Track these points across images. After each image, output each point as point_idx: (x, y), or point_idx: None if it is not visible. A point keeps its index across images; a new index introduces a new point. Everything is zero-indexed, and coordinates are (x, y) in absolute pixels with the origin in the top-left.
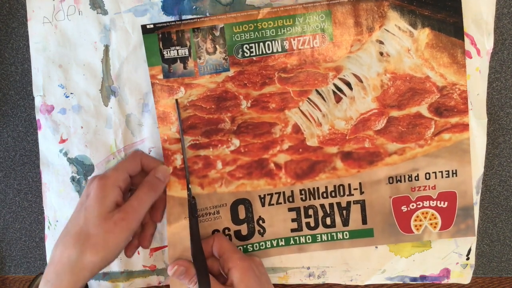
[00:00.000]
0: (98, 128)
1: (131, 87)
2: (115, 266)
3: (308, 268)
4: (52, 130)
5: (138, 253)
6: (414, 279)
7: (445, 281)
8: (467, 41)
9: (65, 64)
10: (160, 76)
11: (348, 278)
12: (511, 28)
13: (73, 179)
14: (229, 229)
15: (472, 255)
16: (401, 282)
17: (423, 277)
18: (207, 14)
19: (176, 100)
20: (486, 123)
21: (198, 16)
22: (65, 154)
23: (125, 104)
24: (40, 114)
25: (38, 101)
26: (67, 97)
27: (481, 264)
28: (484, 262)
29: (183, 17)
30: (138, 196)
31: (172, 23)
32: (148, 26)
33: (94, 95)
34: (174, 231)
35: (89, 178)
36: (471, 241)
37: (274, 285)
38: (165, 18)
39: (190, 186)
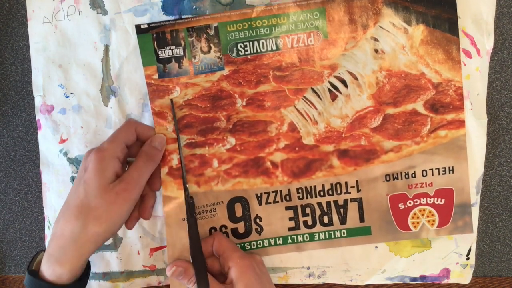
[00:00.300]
0: (98, 128)
1: (131, 87)
2: (115, 266)
3: (308, 268)
4: (52, 130)
5: (138, 253)
6: (414, 279)
7: (445, 281)
8: (467, 41)
9: (65, 64)
10: (155, 76)
11: (348, 278)
12: (511, 28)
13: (73, 179)
14: (226, 227)
15: (472, 255)
16: (401, 282)
17: (423, 277)
18: (207, 14)
19: (171, 100)
20: (486, 123)
21: (192, 16)
22: (65, 154)
23: (125, 104)
24: (40, 114)
25: (38, 101)
26: (67, 97)
27: (481, 264)
28: (484, 262)
29: (183, 17)
30: (138, 166)
31: (167, 22)
32: (142, 26)
33: (94, 95)
34: (173, 232)
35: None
36: (471, 241)
37: (274, 285)
38: (165, 18)
39: (187, 185)
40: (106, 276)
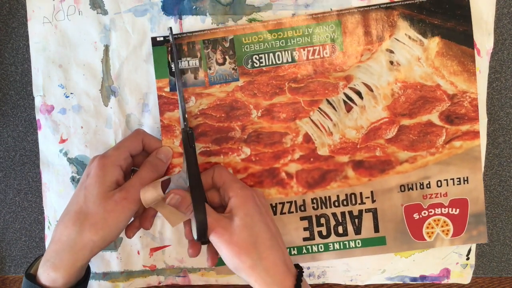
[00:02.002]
0: (98, 128)
1: (131, 87)
2: (115, 266)
3: (308, 268)
4: (52, 130)
5: (138, 253)
6: (414, 279)
7: (445, 281)
8: None
9: (65, 64)
10: (167, 89)
11: (348, 278)
12: (511, 28)
13: (73, 179)
14: None
15: (472, 255)
16: (401, 282)
17: (423, 277)
18: (207, 14)
19: (170, 28)
20: (486, 123)
21: (209, 28)
22: (65, 154)
23: (125, 104)
24: (40, 114)
25: (38, 101)
26: (67, 97)
27: (481, 264)
28: (484, 262)
29: (183, 17)
30: (140, 176)
31: (184, 34)
32: (158, 39)
33: (94, 95)
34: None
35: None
36: None
37: None
38: (165, 18)
39: (186, 116)
40: (106, 276)
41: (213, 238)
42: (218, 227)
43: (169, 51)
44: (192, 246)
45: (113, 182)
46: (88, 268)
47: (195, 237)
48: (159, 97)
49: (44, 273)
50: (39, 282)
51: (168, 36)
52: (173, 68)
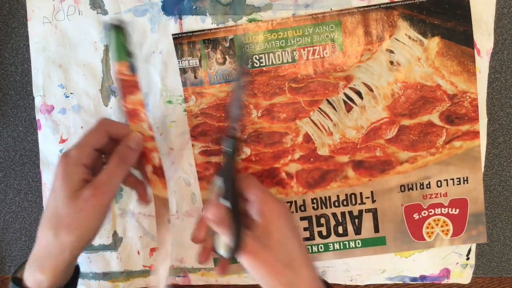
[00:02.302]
0: None
1: None
2: (115, 266)
3: None
4: (52, 130)
5: (138, 253)
6: (414, 279)
7: (445, 281)
8: None
9: (65, 64)
10: (126, 71)
11: (348, 278)
12: (511, 28)
13: None
14: None
15: (472, 255)
16: (401, 282)
17: (423, 277)
18: (207, 14)
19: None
20: (486, 123)
21: (209, 28)
22: None
23: None
24: (40, 114)
25: (38, 101)
26: (67, 97)
27: (481, 264)
28: (484, 262)
29: (183, 17)
30: (109, 169)
31: (184, 34)
32: (111, 22)
33: (94, 95)
34: (161, 232)
35: None
36: None
37: None
38: (165, 18)
39: (239, 122)
40: (106, 276)
41: (247, 257)
42: (253, 246)
43: (124, 34)
44: (203, 254)
45: (78, 182)
46: (77, 268)
47: (223, 253)
48: (118, 80)
49: (30, 276)
50: (25, 286)
51: (121, 21)
52: (128, 49)
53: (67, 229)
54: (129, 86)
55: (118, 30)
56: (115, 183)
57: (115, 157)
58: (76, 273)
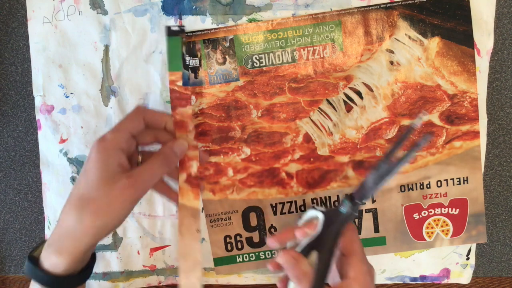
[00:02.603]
0: (98, 128)
1: (131, 87)
2: (115, 266)
3: None
4: (52, 130)
5: (138, 253)
6: (414, 279)
7: (445, 281)
8: None
9: (65, 64)
10: (180, 83)
11: None
12: (511, 28)
13: (73, 179)
14: (240, 236)
15: (472, 255)
16: (401, 282)
17: (423, 277)
18: (207, 14)
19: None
20: (486, 123)
21: (209, 28)
22: (65, 154)
23: (125, 104)
24: (40, 114)
25: (38, 101)
26: (67, 97)
27: (481, 264)
28: (484, 262)
29: (183, 17)
30: (152, 167)
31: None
32: (173, 28)
33: (94, 95)
34: (186, 242)
35: None
36: None
37: (274, 285)
38: (165, 18)
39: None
40: (106, 276)
41: None
42: None
43: (184, 43)
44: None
45: (116, 166)
46: (94, 256)
47: None
48: (171, 91)
49: (47, 257)
50: (41, 266)
51: (183, 27)
52: (187, 61)
53: (95, 214)
54: (181, 98)
55: (177, 37)
56: (153, 181)
57: (160, 157)
58: (92, 261)
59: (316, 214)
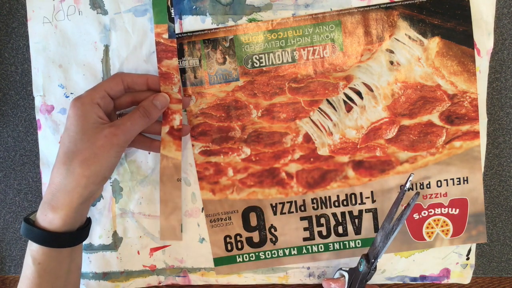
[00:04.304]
0: None
1: None
2: (115, 266)
3: (308, 268)
4: (52, 130)
5: (138, 253)
6: (414, 279)
7: (445, 281)
8: None
9: (65, 64)
10: (166, 36)
11: None
12: (511, 28)
13: None
14: (240, 236)
15: (472, 255)
16: (401, 282)
17: (423, 277)
18: (207, 14)
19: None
20: (486, 123)
21: (209, 28)
22: None
23: None
24: (40, 114)
25: (38, 101)
26: (67, 97)
27: (481, 264)
28: (484, 262)
29: (183, 17)
30: (132, 117)
31: (184, 34)
32: None
33: None
34: (166, 189)
35: None
36: None
37: (274, 285)
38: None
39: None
40: (106, 276)
41: None
42: None
43: None
44: None
45: (95, 117)
46: (89, 220)
47: None
48: (157, 43)
49: (42, 215)
50: (37, 225)
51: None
52: (173, 14)
53: (83, 163)
54: (167, 51)
55: None
56: (134, 132)
57: (140, 109)
58: (87, 224)
59: (342, 274)
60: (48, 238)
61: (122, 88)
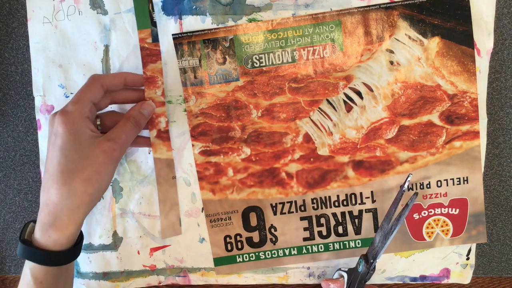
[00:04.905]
0: None
1: None
2: (115, 266)
3: (308, 268)
4: None
5: (138, 253)
6: (414, 279)
7: (445, 281)
8: None
9: (65, 64)
10: (149, 40)
11: None
12: (511, 28)
13: None
14: (240, 236)
15: (472, 255)
16: (401, 282)
17: (423, 277)
18: (207, 14)
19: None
20: (486, 123)
21: (209, 28)
22: None
23: (125, 104)
24: (40, 114)
25: (38, 101)
26: (67, 97)
27: (481, 264)
28: (484, 262)
29: (183, 17)
30: (126, 129)
31: (184, 34)
32: None
33: None
34: (164, 189)
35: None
36: None
37: (274, 285)
38: (165, 18)
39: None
40: (106, 276)
41: None
42: None
43: (150, 1)
44: None
45: (89, 133)
46: (81, 234)
47: None
48: (142, 48)
49: (44, 236)
50: (39, 246)
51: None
52: (155, 18)
53: (86, 182)
54: (151, 55)
55: None
56: (129, 141)
57: (131, 119)
58: (80, 239)
59: (341, 274)
60: (53, 258)
61: (103, 93)
